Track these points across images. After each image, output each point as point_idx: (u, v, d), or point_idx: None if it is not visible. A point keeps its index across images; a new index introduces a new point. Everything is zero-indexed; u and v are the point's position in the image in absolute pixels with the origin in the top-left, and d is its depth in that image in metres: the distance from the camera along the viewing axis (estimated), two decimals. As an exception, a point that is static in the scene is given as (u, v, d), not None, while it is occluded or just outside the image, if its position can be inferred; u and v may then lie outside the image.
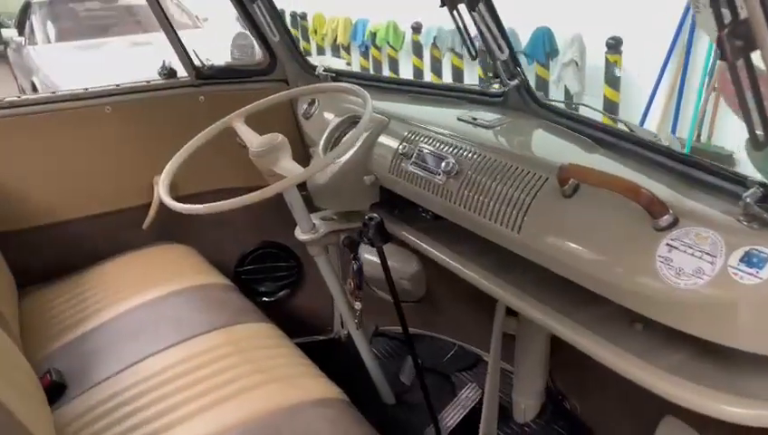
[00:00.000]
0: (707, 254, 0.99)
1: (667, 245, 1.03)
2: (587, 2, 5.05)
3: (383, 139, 1.73)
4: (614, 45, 4.94)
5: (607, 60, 4.98)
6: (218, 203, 1.51)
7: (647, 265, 1.04)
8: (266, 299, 2.48)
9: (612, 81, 5.02)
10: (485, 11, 1.46)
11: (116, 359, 1.54)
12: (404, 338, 1.71)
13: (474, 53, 1.60)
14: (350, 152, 1.78)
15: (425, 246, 1.69)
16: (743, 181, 1.03)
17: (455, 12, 1.52)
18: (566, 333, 1.30)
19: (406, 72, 7.59)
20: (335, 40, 8.72)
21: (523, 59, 5.82)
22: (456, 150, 1.48)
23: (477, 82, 6.51)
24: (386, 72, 7.88)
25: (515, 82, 1.57)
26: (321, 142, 1.92)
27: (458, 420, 2.00)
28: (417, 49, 7.34)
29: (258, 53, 2.47)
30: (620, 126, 1.50)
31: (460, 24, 1.54)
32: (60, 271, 2.04)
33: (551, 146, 1.42)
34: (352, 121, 1.91)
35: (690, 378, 1.09)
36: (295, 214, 1.83)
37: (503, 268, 1.49)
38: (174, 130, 2.19)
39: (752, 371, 1.07)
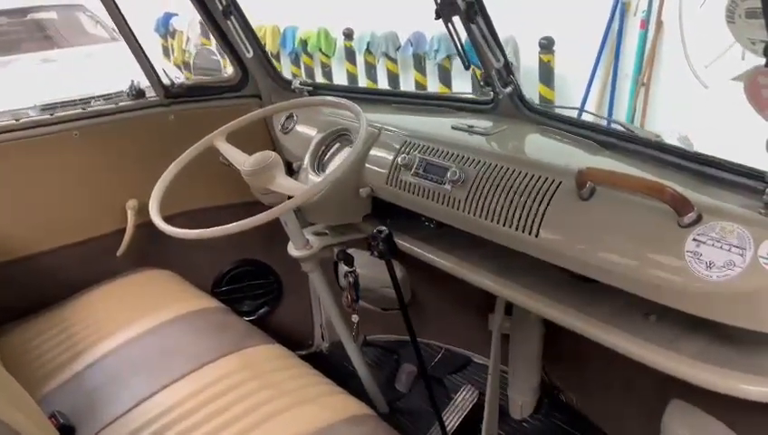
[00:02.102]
0: (736, 247, 1.05)
1: (695, 240, 1.09)
2: (518, 5, 5.21)
3: (376, 151, 1.74)
4: (546, 45, 5.12)
5: (540, 59, 5.15)
6: (221, 227, 1.48)
7: (676, 260, 1.10)
8: (246, 318, 2.43)
9: (546, 79, 5.20)
10: (482, 22, 1.49)
11: (124, 396, 1.48)
12: (412, 346, 1.72)
13: (467, 63, 1.63)
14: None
15: (424, 253, 1.71)
16: (761, 176, 1.11)
17: (449, 24, 1.54)
18: (585, 329, 1.34)
19: (340, 79, 7.59)
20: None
21: (458, 61, 5.94)
22: (459, 159, 1.51)
23: (414, 87, 6.59)
24: (319, 79, 7.84)
25: (509, 89, 1.61)
26: (308, 157, 1.91)
27: (458, 422, 2.03)
28: (350, 55, 7.35)
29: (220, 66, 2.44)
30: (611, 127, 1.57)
31: (454, 36, 1.57)
32: (35, 307, 1.94)
33: (553, 150, 1.47)
34: (338, 135, 1.90)
35: (714, 363, 1.16)
36: (289, 231, 1.81)
37: (508, 272, 1.53)
38: (145, 151, 2.13)
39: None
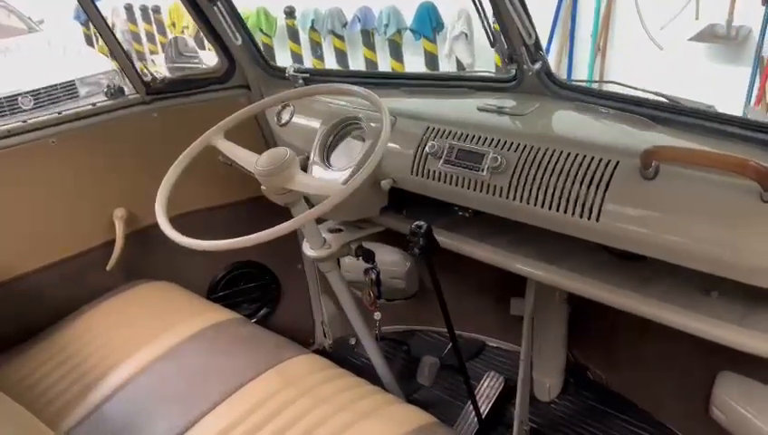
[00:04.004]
0: (829, 219, 1.02)
1: (784, 215, 1.05)
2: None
3: (394, 140, 1.63)
4: (499, 15, 5.07)
5: (495, 29, 5.10)
6: (253, 236, 1.35)
7: (765, 237, 1.06)
8: (247, 322, 2.31)
9: (502, 49, 5.17)
10: (515, -3, 1.41)
11: (158, 429, 1.34)
12: (448, 339, 1.65)
13: (492, 39, 1.54)
14: (358, 158, 1.68)
15: (455, 242, 1.63)
16: None
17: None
18: (642, 309, 1.30)
19: (283, 59, 7.35)
20: (198, 32, 8.25)
21: (409, 35, 5.84)
22: (495, 143, 1.43)
23: (364, 64, 6.45)
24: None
25: (538, 65, 1.53)
26: (315, 151, 1.78)
27: (487, 410, 1.99)
28: (293, 34, 7.13)
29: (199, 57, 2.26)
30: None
31: (481, 12, 1.48)
32: (24, 334, 1.76)
33: (598, 128, 1.40)
34: (346, 124, 1.79)
35: None
36: (306, 231, 1.69)
37: (545, 256, 1.48)
38: (130, 154, 1.96)
39: None
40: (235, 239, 1.35)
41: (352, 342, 2.43)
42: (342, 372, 1.49)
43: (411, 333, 2.41)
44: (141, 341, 1.61)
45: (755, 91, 4.04)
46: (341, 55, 6.68)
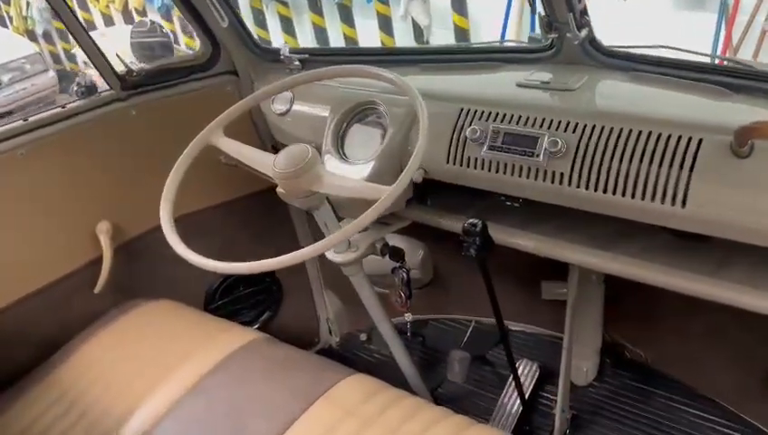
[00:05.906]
0: None
1: None
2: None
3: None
4: (455, -28, 4.89)
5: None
6: (283, 257, 1.16)
7: None
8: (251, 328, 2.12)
9: (460, 8, 4.99)
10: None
11: None
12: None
13: (533, 5, 1.37)
14: (381, 149, 1.50)
15: (498, 234, 1.48)
16: None
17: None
18: (725, 296, 1.20)
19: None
20: (126, 5, 7.72)
21: (360, -3, 5.57)
22: (548, 124, 1.28)
23: (312, 31, 6.14)
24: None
25: (584, 32, 1.37)
26: (329, 142, 1.59)
27: (526, 399, 1.88)
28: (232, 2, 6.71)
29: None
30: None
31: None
32: (12, 377, 1.53)
33: (668, 101, 1.26)
34: (361, 109, 1.60)
35: None
36: (329, 233, 1.51)
37: (602, 241, 1.36)
38: (109, 159, 1.74)
39: None
40: (269, 260, 1.17)
41: (363, 338, 2.29)
42: (398, 392, 1.34)
43: (425, 323, 2.28)
44: (158, 376, 1.41)
45: (722, 38, 4.02)
46: (287, 23, 6.34)
